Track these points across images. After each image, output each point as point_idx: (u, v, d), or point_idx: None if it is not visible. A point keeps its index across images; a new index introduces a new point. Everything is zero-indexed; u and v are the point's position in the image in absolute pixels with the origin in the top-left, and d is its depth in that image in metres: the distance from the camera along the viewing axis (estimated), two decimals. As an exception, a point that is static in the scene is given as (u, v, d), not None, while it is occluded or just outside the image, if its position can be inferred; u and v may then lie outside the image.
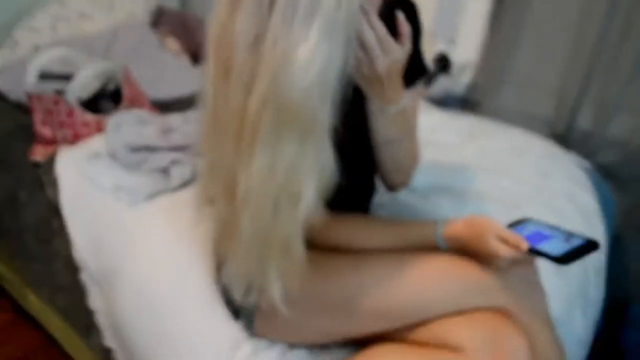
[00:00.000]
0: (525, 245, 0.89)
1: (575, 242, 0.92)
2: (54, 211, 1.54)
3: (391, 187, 1.15)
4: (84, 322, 1.45)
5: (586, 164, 1.89)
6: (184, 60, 2.48)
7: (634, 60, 1.93)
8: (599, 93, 2.04)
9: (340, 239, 1.03)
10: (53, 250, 1.57)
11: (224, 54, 0.72)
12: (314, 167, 0.75)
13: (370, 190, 1.24)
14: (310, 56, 0.66)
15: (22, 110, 1.94)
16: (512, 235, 0.91)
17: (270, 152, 0.72)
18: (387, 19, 0.92)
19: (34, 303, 1.75)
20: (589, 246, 0.91)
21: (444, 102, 2.31)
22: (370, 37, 0.77)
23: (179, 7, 3.09)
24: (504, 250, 0.90)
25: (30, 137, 1.76)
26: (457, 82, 2.30)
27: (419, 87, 1.05)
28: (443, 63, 1.80)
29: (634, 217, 2.05)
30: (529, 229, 0.99)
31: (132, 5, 2.55)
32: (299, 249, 0.82)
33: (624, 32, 1.92)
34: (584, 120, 2.10)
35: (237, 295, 0.90)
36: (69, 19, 2.34)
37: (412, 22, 1.02)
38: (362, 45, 0.77)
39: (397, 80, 0.88)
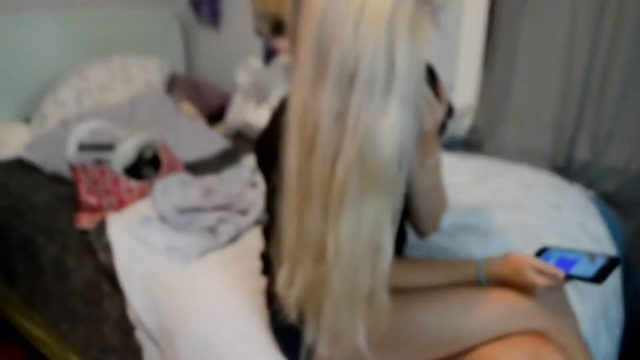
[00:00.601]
0: (561, 274, 1.01)
1: (599, 261, 1.04)
2: (104, 274, 1.63)
3: (422, 234, 1.24)
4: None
5: (590, 193, 2.02)
6: (201, 123, 2.62)
7: (620, 91, 2.06)
8: (592, 124, 2.17)
9: (396, 281, 1.13)
10: (102, 312, 1.66)
11: (308, 130, 0.80)
12: (392, 222, 0.84)
13: (403, 237, 1.34)
14: (391, 128, 0.76)
15: (60, 181, 2.06)
16: (547, 266, 1.03)
17: (356, 214, 0.80)
18: None
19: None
20: (613, 262, 1.03)
21: (448, 145, 2.45)
22: (421, 102, 0.89)
23: (186, 71, 3.26)
24: (541, 281, 1.03)
25: (70, 206, 1.88)
26: (459, 125, 2.45)
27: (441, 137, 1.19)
28: (449, 109, 1.94)
29: (637, 240, 2.16)
30: (556, 257, 1.11)
31: (148, 74, 2.71)
32: (384, 297, 0.89)
33: (608, 64, 2.06)
34: (582, 152, 2.22)
35: (323, 348, 0.95)
36: (91, 92, 2.48)
37: (430, 77, 1.18)
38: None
39: (436, 136, 1.01)
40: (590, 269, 1.02)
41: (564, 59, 2.17)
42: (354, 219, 0.81)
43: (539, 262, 1.05)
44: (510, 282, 1.08)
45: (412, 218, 1.20)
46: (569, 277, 1.02)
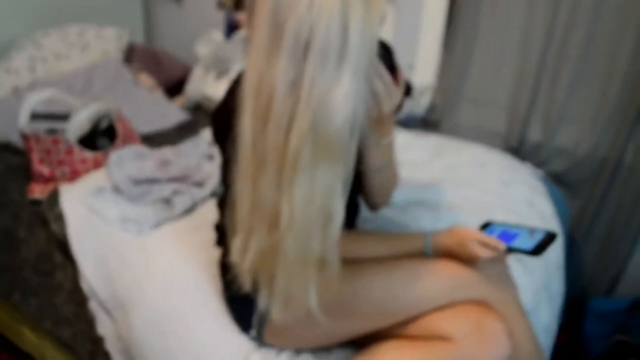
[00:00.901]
0: (503, 246, 1.06)
1: (539, 236, 1.09)
2: (56, 245, 1.62)
3: (374, 207, 1.30)
4: (89, 350, 1.53)
5: (540, 172, 2.09)
6: (159, 95, 2.59)
7: (572, 75, 2.14)
8: (545, 107, 2.25)
9: (346, 252, 1.16)
10: (55, 283, 1.65)
11: (263, 99, 0.81)
12: (343, 189, 0.87)
13: (355, 210, 1.38)
14: (344, 98, 0.78)
15: (11, 150, 2.01)
16: (489, 238, 1.08)
17: (309, 181, 0.83)
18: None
19: (30, 340, 1.80)
20: (551, 236, 1.08)
21: (406, 123, 2.49)
22: (379, 85, 0.92)
23: (145, 42, 3.20)
24: (483, 252, 1.08)
25: (22, 176, 1.84)
26: (417, 104, 2.49)
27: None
28: (406, 88, 1.97)
29: (584, 218, 2.25)
30: (498, 230, 1.16)
31: (105, 43, 2.64)
32: (335, 263, 0.92)
33: (562, 50, 2.13)
34: (534, 133, 2.30)
35: (276, 312, 0.98)
36: (46, 60, 2.42)
37: (389, 61, 1.19)
38: (373, 91, 0.92)
39: (392, 117, 1.04)
40: (530, 243, 1.07)
41: (520, 44, 2.23)
42: (307, 186, 0.83)
43: (482, 235, 1.09)
44: (454, 254, 1.12)
45: (364, 192, 1.24)
46: (510, 250, 1.07)
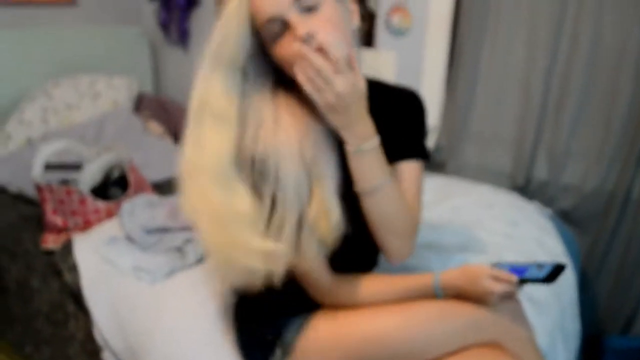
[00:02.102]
0: (514, 278, 1.05)
1: (547, 268, 1.08)
2: (69, 295, 1.63)
3: (389, 255, 1.13)
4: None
5: (548, 211, 2.10)
6: (168, 142, 2.63)
7: (575, 112, 2.16)
8: (550, 144, 2.26)
9: (349, 299, 1.15)
10: (68, 334, 1.65)
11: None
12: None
13: (374, 261, 1.32)
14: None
15: (24, 201, 2.05)
16: (501, 272, 1.07)
17: None
18: (387, 103, 1.10)
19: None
20: (560, 268, 1.08)
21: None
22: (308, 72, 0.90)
23: (154, 92, 3.27)
24: (497, 287, 1.05)
25: (36, 226, 1.87)
26: (423, 145, 2.50)
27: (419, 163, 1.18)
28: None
29: (595, 255, 2.23)
30: (506, 268, 1.16)
31: (115, 93, 2.71)
32: None
33: (564, 86, 2.15)
34: (540, 170, 2.30)
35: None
36: (58, 111, 2.47)
37: (419, 112, 1.21)
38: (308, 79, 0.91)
39: (361, 115, 0.97)
40: (540, 274, 1.06)
41: (522, 82, 2.26)
42: None
43: (493, 270, 1.08)
44: (466, 294, 1.10)
45: (374, 236, 1.12)
46: (522, 281, 1.06)
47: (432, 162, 2.53)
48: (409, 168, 1.16)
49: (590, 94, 2.15)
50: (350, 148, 0.99)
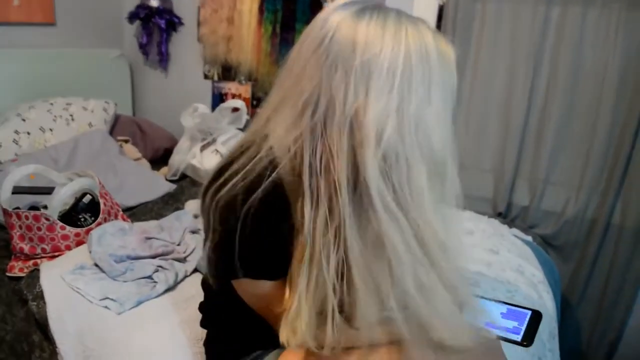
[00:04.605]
0: (492, 336, 1.03)
1: (524, 316, 1.06)
2: (35, 325, 1.56)
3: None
4: None
5: (528, 237, 2.08)
6: (144, 166, 2.58)
7: (554, 139, 2.18)
8: (530, 171, 2.27)
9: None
10: (32, 364, 1.58)
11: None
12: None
13: None
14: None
15: (-8, 226, 1.98)
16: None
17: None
18: None
19: None
20: (536, 316, 1.06)
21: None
22: None
23: (132, 114, 3.23)
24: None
25: (2, 252, 1.80)
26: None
27: None
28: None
29: (577, 281, 2.23)
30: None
31: (91, 115, 2.66)
32: None
33: (543, 115, 2.18)
34: (521, 197, 2.31)
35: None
36: (30, 133, 2.41)
37: None
38: None
39: None
40: (517, 329, 1.04)
41: (503, 111, 2.28)
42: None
43: None
44: None
45: None
46: (499, 338, 1.04)
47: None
48: None
49: (570, 122, 2.16)
50: None
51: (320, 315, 0.90)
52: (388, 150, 0.83)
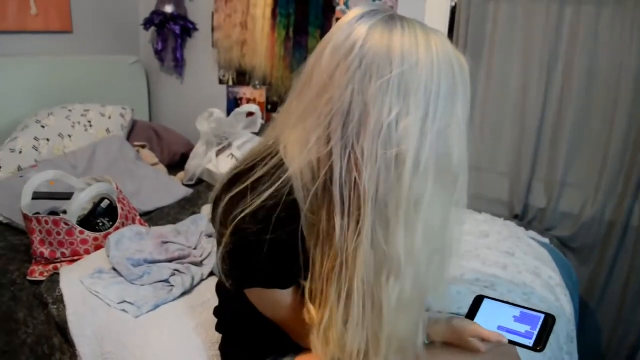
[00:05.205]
0: (506, 340, 1.02)
1: (537, 320, 1.05)
2: (55, 328, 1.59)
3: None
4: None
5: (545, 239, 2.06)
6: (161, 171, 2.61)
7: (571, 140, 2.15)
8: (546, 172, 2.25)
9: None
10: (53, 367, 1.61)
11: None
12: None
13: None
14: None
15: (13, 230, 2.02)
16: (490, 334, 1.02)
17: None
18: None
19: None
20: (550, 320, 1.04)
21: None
22: None
23: (149, 120, 3.27)
24: (485, 347, 1.02)
25: (23, 257, 1.83)
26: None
27: None
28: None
29: (596, 284, 2.20)
30: (493, 314, 1.11)
31: (109, 122, 2.69)
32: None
33: (559, 116, 2.15)
34: (538, 199, 2.28)
35: None
36: (50, 139, 2.45)
37: None
38: None
39: None
40: (530, 333, 1.03)
41: (518, 112, 2.26)
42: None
43: (482, 330, 1.03)
44: (453, 344, 1.06)
45: None
46: (512, 343, 1.03)
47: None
48: None
49: (586, 122, 2.14)
50: None
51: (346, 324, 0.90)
52: (420, 163, 0.83)
